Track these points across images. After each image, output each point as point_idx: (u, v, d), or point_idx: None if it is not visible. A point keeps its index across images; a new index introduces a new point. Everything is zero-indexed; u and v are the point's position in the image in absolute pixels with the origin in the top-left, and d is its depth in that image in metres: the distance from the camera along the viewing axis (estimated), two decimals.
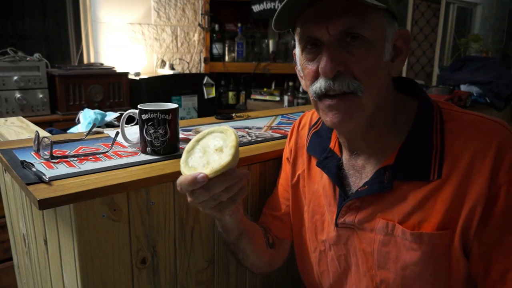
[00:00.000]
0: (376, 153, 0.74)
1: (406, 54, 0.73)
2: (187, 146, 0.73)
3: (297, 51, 0.74)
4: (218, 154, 0.68)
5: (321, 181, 0.84)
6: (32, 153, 0.93)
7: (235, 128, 1.25)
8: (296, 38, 0.72)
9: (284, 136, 1.15)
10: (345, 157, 0.80)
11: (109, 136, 1.08)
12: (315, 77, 0.69)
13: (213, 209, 0.71)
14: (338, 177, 0.79)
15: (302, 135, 0.93)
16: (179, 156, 0.93)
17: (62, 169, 0.83)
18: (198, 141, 0.73)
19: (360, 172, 0.77)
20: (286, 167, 0.96)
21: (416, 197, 0.68)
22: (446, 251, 0.67)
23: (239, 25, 3.09)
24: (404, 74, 3.75)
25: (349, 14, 0.64)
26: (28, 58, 2.26)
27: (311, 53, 0.69)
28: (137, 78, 2.65)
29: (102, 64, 2.69)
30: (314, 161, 0.87)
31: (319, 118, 0.90)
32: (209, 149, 0.70)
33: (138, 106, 0.92)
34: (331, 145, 0.83)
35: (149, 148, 0.93)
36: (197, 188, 0.66)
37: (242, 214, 0.82)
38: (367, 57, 0.66)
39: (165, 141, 0.92)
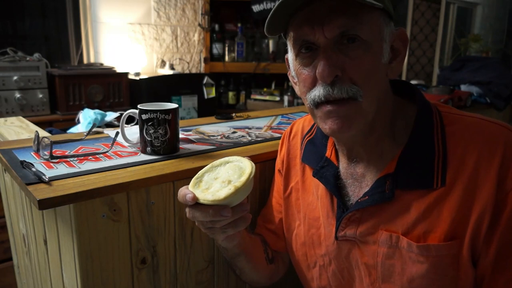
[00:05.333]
0: (375, 160, 0.72)
1: (404, 55, 0.69)
2: (218, 160, 0.72)
3: (290, 56, 0.71)
4: (221, 186, 0.66)
5: (317, 192, 0.80)
6: (32, 153, 0.93)
7: (235, 128, 1.25)
8: (289, 43, 0.69)
9: None
10: (342, 165, 0.77)
11: (109, 136, 1.08)
12: (313, 83, 0.66)
13: (205, 230, 0.71)
14: (336, 187, 0.75)
15: (294, 145, 0.89)
16: (179, 156, 0.94)
17: (62, 169, 0.83)
18: (228, 162, 0.71)
19: (359, 181, 0.74)
20: (278, 179, 0.92)
21: (420, 206, 0.66)
22: (454, 261, 0.64)
23: (239, 25, 3.10)
24: (404, 74, 3.75)
25: (344, 15, 0.61)
26: (28, 58, 2.26)
27: (306, 58, 0.66)
28: (137, 78, 2.65)
29: (102, 64, 2.69)
30: (308, 172, 0.83)
31: (313, 125, 0.86)
32: (223, 175, 0.69)
33: (138, 106, 0.92)
34: (327, 153, 0.79)
35: (149, 148, 0.93)
36: (188, 205, 0.67)
37: (240, 239, 0.78)
38: (365, 59, 0.63)
39: (165, 141, 0.92)
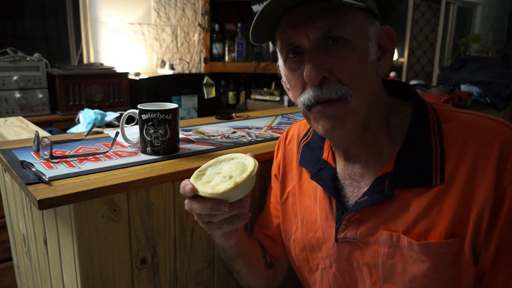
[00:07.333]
0: (373, 159, 0.71)
1: (392, 53, 0.70)
2: (223, 156, 0.73)
3: (280, 62, 0.71)
4: (222, 180, 0.67)
5: (315, 195, 0.80)
6: (32, 153, 0.93)
7: (235, 128, 1.25)
8: (278, 50, 0.70)
9: None
10: (340, 166, 0.76)
11: (109, 136, 1.08)
12: (303, 87, 0.66)
13: (203, 224, 0.71)
14: (334, 189, 0.75)
15: (290, 149, 0.89)
16: (179, 156, 0.94)
17: (62, 169, 0.83)
18: (232, 159, 0.72)
19: (358, 181, 0.73)
20: (274, 184, 0.93)
21: (419, 204, 0.65)
22: (455, 260, 0.64)
23: (239, 25, 3.10)
24: (404, 74, 3.75)
25: (326, 16, 0.61)
26: (28, 58, 2.26)
27: (294, 62, 0.66)
28: (137, 78, 2.65)
29: (102, 64, 2.69)
30: (306, 175, 0.83)
31: (309, 129, 0.87)
32: (225, 171, 0.69)
33: (138, 106, 0.92)
34: (324, 155, 0.79)
35: (149, 148, 0.93)
36: (188, 197, 0.68)
37: (238, 239, 0.78)
38: (351, 59, 0.63)
39: (165, 141, 0.92)
